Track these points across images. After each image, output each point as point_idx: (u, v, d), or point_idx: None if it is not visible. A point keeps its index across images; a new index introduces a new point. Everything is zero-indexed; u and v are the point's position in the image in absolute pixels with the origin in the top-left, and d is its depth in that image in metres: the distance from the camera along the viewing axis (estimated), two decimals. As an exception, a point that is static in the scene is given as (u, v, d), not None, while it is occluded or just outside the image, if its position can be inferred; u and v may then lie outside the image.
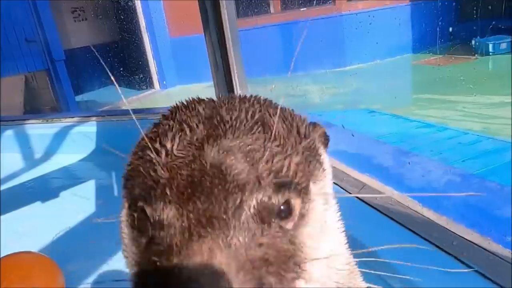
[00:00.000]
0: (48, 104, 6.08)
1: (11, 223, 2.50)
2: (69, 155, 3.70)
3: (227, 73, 3.37)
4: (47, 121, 4.13)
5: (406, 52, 7.63)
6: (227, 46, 2.98)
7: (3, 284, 1.53)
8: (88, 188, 3.02)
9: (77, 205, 2.64)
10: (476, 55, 6.84)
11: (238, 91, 3.40)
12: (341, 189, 1.64)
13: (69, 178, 3.34)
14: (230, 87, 3.44)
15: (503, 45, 7.00)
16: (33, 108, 4.49)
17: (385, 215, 1.48)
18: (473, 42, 7.20)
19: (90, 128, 3.70)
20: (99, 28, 7.87)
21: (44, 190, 3.08)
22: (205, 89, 4.27)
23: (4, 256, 1.63)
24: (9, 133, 4.02)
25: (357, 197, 1.51)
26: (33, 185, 3.27)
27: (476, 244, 1.23)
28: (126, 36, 8.10)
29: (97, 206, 2.67)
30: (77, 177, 3.30)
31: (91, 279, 1.91)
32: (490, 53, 6.70)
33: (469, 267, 1.17)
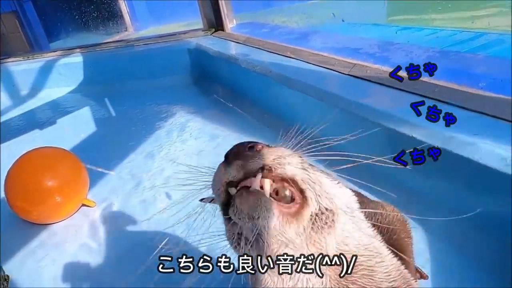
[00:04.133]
0: (21, 50, 5.85)
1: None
2: (56, 89, 3.71)
3: (214, 4, 3.37)
4: (28, 58, 4.06)
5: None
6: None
7: (33, 173, 1.67)
8: (78, 119, 3.08)
9: (67, 136, 2.68)
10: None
11: (227, 23, 3.43)
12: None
13: (57, 110, 3.36)
14: (218, 20, 3.45)
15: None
16: (5, 55, 4.35)
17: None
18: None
19: (76, 59, 3.67)
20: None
21: (32, 124, 3.09)
22: (179, 28, 4.22)
23: (31, 150, 1.75)
24: (-11, 73, 3.94)
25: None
26: (21, 121, 3.28)
27: (454, 89, 1.44)
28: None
29: (87, 134, 2.72)
30: (66, 109, 3.33)
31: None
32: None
33: (452, 105, 1.38)
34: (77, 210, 1.80)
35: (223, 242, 0.71)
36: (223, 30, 3.44)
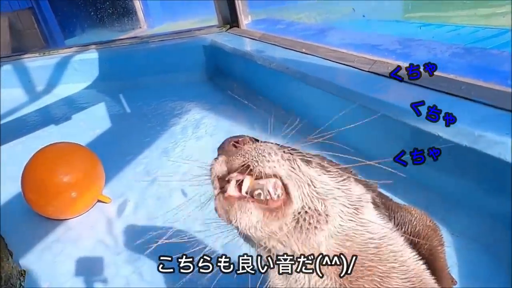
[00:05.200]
0: (37, 46, 5.91)
1: (14, 152, 2.54)
2: (71, 85, 3.73)
3: (230, 0, 3.34)
4: (44, 54, 4.09)
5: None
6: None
7: (49, 168, 1.67)
8: (93, 115, 3.08)
9: (82, 132, 2.69)
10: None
11: (242, 20, 3.40)
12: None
13: (72, 106, 3.37)
14: (233, 16, 3.42)
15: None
16: (22, 51, 4.40)
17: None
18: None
19: (91, 55, 3.68)
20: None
21: (48, 120, 3.11)
22: (193, 25, 4.21)
23: (47, 145, 1.75)
24: (6, 68, 3.98)
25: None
26: (37, 116, 3.30)
27: (482, 86, 1.38)
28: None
29: (103, 130, 2.73)
30: (81, 105, 3.34)
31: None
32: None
33: (480, 103, 1.32)
34: (93, 206, 1.79)
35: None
36: (238, 26, 3.41)
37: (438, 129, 1.26)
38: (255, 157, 0.63)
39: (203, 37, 3.41)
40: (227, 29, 3.43)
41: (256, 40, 2.90)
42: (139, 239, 1.56)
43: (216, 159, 0.68)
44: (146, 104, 3.04)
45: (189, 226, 1.58)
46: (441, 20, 2.98)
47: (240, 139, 0.67)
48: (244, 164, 0.63)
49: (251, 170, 0.62)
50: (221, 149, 0.68)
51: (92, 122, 2.90)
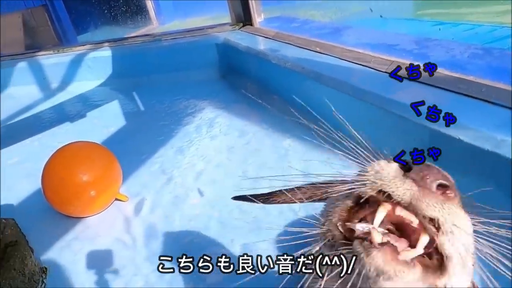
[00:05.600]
0: (49, 43, 5.97)
1: (32, 149, 2.57)
2: (85, 82, 3.76)
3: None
4: (58, 51, 4.13)
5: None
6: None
7: (69, 165, 1.69)
8: (107, 113, 3.11)
9: (97, 129, 2.73)
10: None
11: (255, 18, 3.39)
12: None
13: (87, 104, 3.40)
14: (247, 14, 3.41)
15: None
16: (35, 49, 4.47)
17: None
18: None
19: (105, 52, 3.71)
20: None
21: (63, 117, 3.15)
22: (204, 22, 4.21)
23: (66, 144, 1.77)
24: (21, 65, 4.04)
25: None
26: (52, 114, 3.34)
27: (502, 89, 1.37)
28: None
29: (117, 128, 2.74)
30: (95, 103, 3.37)
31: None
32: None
33: (500, 105, 1.31)
34: (110, 204, 1.82)
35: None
36: (251, 24, 3.41)
37: (459, 132, 1.25)
38: (450, 227, 0.51)
39: (216, 35, 3.42)
40: (240, 27, 3.43)
41: (269, 38, 2.90)
42: (157, 237, 1.58)
43: (398, 172, 0.54)
44: (159, 102, 3.06)
45: (206, 225, 1.60)
46: (455, 17, 2.94)
47: (450, 185, 0.54)
48: (433, 220, 0.51)
49: (432, 227, 0.51)
50: (418, 174, 0.53)
51: (106, 120, 2.93)
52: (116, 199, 1.82)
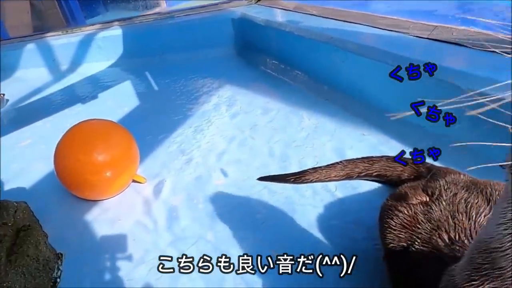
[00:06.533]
0: (58, 26, 5.83)
1: (45, 131, 2.47)
2: (96, 63, 3.63)
3: None
4: (67, 32, 4.00)
5: None
6: None
7: (84, 144, 1.56)
8: (119, 93, 2.98)
9: (109, 110, 2.61)
10: None
11: None
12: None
13: (98, 85, 3.28)
14: None
15: None
16: (43, 31, 4.36)
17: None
18: None
19: (115, 32, 3.56)
20: None
21: (74, 99, 3.03)
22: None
23: (80, 122, 1.65)
24: (30, 47, 3.91)
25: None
26: (63, 95, 3.22)
27: None
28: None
29: (131, 108, 2.63)
30: (106, 83, 3.24)
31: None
32: None
33: None
34: (127, 186, 1.69)
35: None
36: (268, -2, 3.22)
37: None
38: None
39: (231, 10, 3.24)
40: (257, 1, 3.24)
41: (290, 11, 2.72)
42: (180, 220, 1.46)
43: None
44: (173, 82, 2.91)
45: (234, 206, 1.47)
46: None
47: None
48: None
49: None
50: None
51: (119, 100, 2.80)
52: (133, 181, 1.70)
